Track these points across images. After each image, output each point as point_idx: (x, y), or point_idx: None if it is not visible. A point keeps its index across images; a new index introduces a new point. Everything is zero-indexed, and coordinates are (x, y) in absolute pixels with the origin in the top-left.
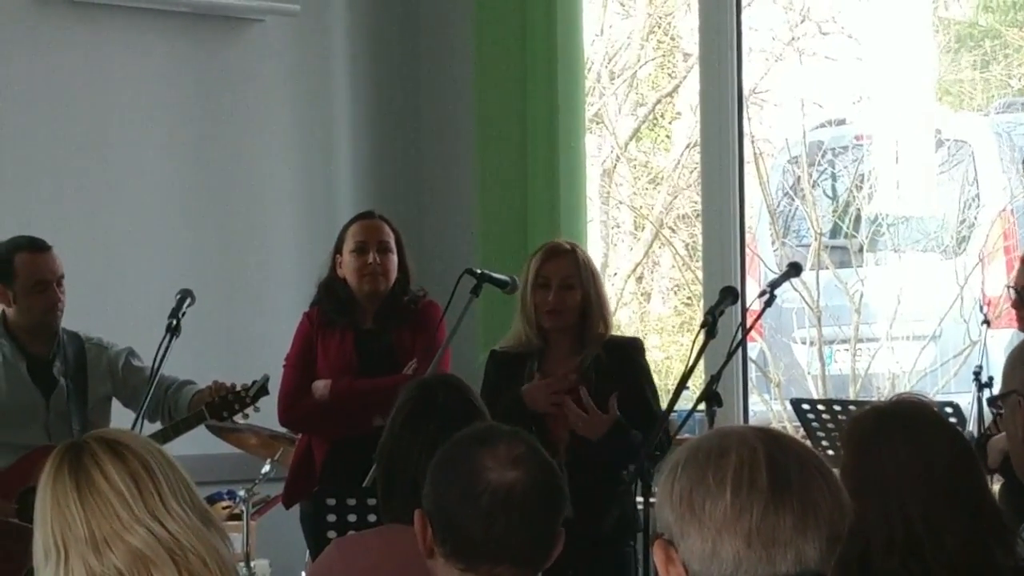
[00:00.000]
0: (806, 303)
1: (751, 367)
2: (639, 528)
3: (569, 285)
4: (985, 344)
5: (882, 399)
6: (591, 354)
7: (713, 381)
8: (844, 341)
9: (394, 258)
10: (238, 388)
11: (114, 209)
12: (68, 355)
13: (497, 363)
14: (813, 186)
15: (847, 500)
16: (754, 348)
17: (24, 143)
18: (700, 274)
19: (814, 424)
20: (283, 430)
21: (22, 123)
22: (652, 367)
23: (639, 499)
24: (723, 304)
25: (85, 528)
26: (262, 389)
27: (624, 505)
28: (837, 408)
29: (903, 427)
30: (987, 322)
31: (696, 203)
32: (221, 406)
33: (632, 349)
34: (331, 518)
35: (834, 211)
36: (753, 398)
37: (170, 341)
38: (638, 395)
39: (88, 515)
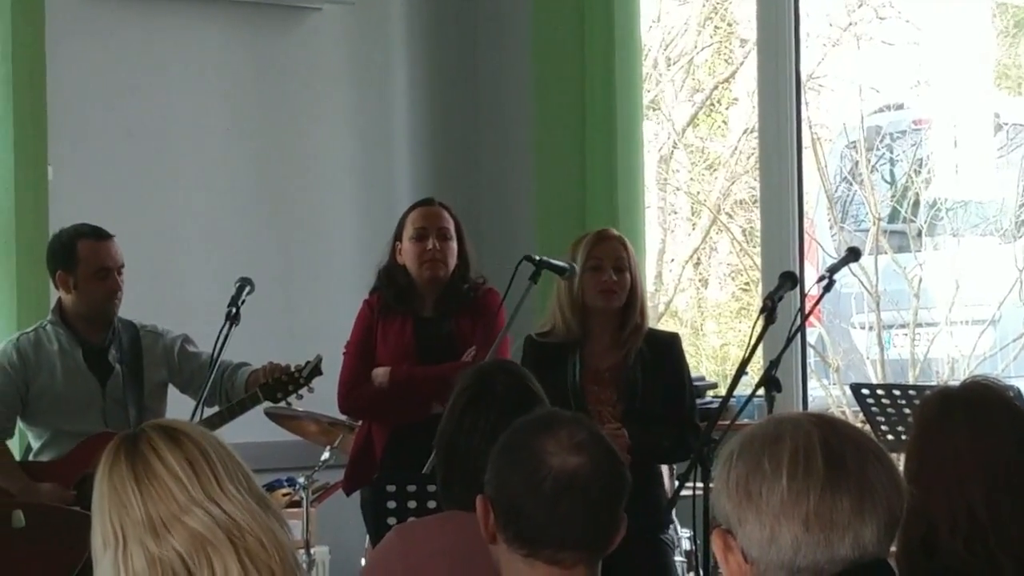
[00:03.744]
0: (865, 288)
1: (810, 352)
2: (669, 520)
3: (621, 268)
4: None
5: (947, 382)
6: (635, 347)
7: (772, 366)
8: (903, 326)
9: (454, 245)
10: (292, 369)
11: (174, 199)
12: (123, 342)
13: (535, 351)
14: (871, 171)
15: (904, 483)
16: (813, 333)
17: (83, 134)
18: (758, 260)
19: (873, 409)
20: (342, 417)
21: (81, 114)
22: (710, 352)
23: (699, 485)
24: (782, 289)
25: (143, 512)
26: (316, 370)
27: (656, 496)
28: (897, 393)
29: (967, 412)
30: None
31: (753, 189)
32: (275, 388)
33: (674, 344)
34: (391, 504)
35: (892, 196)
36: (812, 383)
37: (230, 329)
38: (679, 390)
39: (145, 498)
